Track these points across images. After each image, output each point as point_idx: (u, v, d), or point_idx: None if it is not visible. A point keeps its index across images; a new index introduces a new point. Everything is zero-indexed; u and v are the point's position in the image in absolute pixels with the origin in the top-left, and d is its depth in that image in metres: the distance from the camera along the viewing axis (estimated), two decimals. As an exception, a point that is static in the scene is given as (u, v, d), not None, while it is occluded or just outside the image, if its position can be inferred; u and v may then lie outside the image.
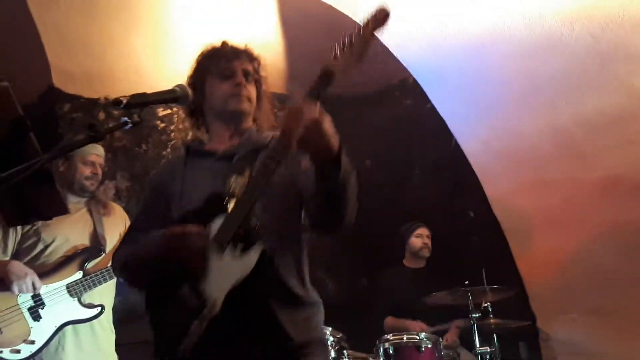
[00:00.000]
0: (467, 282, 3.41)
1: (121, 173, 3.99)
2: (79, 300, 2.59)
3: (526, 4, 3.17)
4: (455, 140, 4.16)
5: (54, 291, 2.55)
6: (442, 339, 3.34)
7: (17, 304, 2.48)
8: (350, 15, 3.66)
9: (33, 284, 2.47)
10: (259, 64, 1.72)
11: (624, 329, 3.61)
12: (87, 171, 2.72)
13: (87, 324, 2.62)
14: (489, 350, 3.34)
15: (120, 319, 2.88)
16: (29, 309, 2.50)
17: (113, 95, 4.02)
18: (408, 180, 4.89)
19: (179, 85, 1.58)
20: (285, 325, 1.46)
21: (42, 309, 2.51)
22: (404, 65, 3.97)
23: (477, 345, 3.33)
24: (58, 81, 3.86)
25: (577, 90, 3.36)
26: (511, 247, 4.07)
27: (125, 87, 3.99)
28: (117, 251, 1.73)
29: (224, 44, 1.72)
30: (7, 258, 2.56)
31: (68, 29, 3.74)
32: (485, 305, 3.48)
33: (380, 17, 1.39)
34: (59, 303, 2.54)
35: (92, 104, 3.97)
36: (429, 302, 3.56)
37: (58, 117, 3.82)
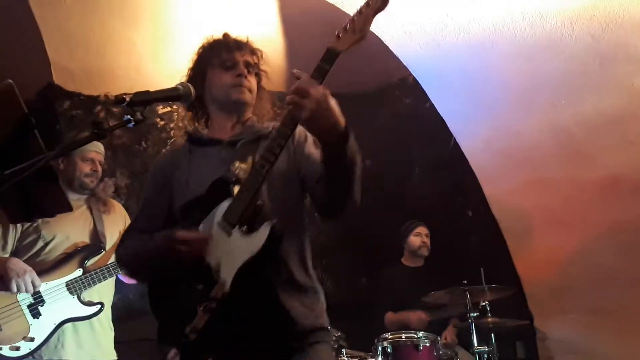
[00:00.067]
0: (465, 282, 3.43)
1: (121, 170, 3.98)
2: (79, 298, 2.59)
3: (527, 4, 3.17)
4: (455, 140, 4.16)
5: (53, 288, 2.55)
6: (440, 337, 3.36)
7: (17, 301, 2.48)
8: (352, 14, 3.66)
9: (32, 282, 2.46)
10: (260, 56, 1.74)
11: (622, 328, 3.62)
12: (86, 168, 2.72)
13: (87, 321, 2.62)
14: (486, 349, 3.36)
15: (119, 317, 2.88)
16: (29, 306, 2.50)
17: (113, 92, 4.02)
18: (407, 179, 4.90)
19: (182, 84, 1.59)
20: (291, 311, 1.48)
21: (42, 306, 2.51)
22: (404, 64, 3.97)
23: (475, 344, 3.34)
24: (58, 78, 3.85)
25: (577, 90, 3.37)
26: (509, 246, 4.08)
27: (125, 84, 3.99)
28: (120, 245, 1.73)
29: (225, 35, 1.74)
30: (7, 255, 2.56)
31: (68, 26, 3.74)
32: (483, 304, 3.49)
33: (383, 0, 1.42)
34: (59, 300, 2.55)
35: (92, 102, 3.96)
36: (427, 301, 3.58)
37: (58, 114, 3.82)
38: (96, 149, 2.73)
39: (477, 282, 3.48)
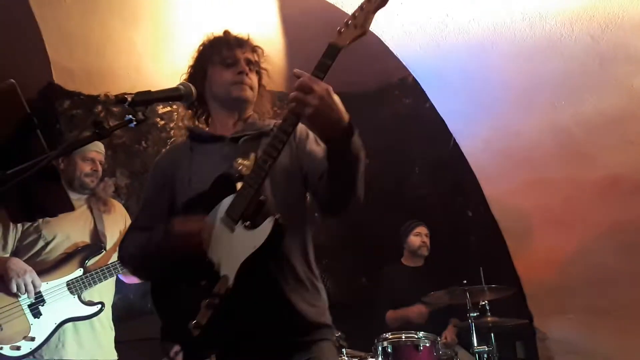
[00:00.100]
0: (465, 281, 3.43)
1: (121, 170, 3.98)
2: (79, 298, 2.59)
3: (526, 4, 3.18)
4: (454, 140, 4.17)
5: (54, 288, 2.55)
6: (440, 337, 3.36)
7: (18, 301, 2.48)
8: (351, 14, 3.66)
9: (32, 282, 2.46)
10: (261, 54, 1.74)
11: (622, 328, 3.63)
12: (87, 168, 2.72)
13: (87, 321, 2.62)
14: (486, 349, 3.36)
15: (120, 317, 2.89)
16: (30, 306, 2.50)
17: (113, 92, 4.01)
18: (407, 179, 4.90)
19: (183, 84, 1.59)
20: (297, 306, 1.48)
21: (43, 306, 2.51)
22: (404, 64, 3.97)
23: (475, 344, 3.35)
24: (58, 78, 3.85)
25: (577, 91, 3.38)
26: (509, 246, 4.08)
27: (125, 84, 3.99)
28: (121, 244, 1.73)
29: (226, 32, 1.73)
30: (7, 255, 2.56)
31: (69, 25, 3.74)
32: (483, 304, 3.50)
33: None
34: (59, 300, 2.55)
35: (92, 101, 3.96)
36: (427, 301, 3.58)
37: (58, 113, 3.82)
38: (97, 149, 2.73)
39: (477, 282, 3.48)
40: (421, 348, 3.07)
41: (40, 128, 1.30)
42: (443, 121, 4.09)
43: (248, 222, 1.41)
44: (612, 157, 3.44)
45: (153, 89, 1.48)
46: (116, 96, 1.39)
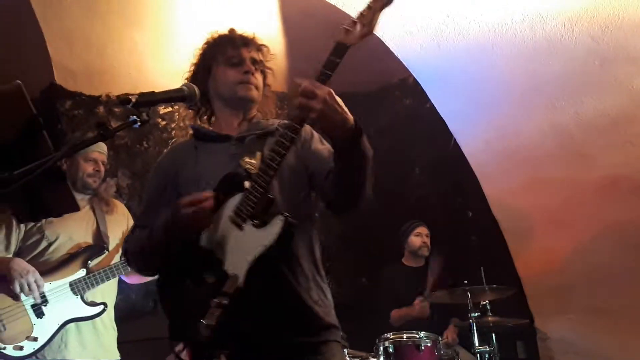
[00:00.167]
0: (466, 281, 3.44)
1: (122, 171, 3.99)
2: (82, 298, 2.59)
3: (527, 5, 3.19)
4: (455, 140, 4.18)
5: (57, 289, 2.56)
6: (441, 337, 3.37)
7: (21, 301, 2.49)
8: (353, 15, 3.67)
9: (36, 282, 2.47)
10: (267, 52, 1.72)
11: (623, 328, 3.64)
12: (89, 168, 2.72)
13: (89, 321, 2.62)
14: (487, 349, 3.37)
15: (122, 317, 2.89)
16: (33, 306, 2.50)
17: (114, 92, 4.02)
18: (408, 179, 4.91)
19: (187, 84, 1.59)
20: (308, 305, 1.48)
21: (45, 306, 2.52)
22: (405, 64, 3.98)
23: (476, 344, 3.36)
24: (59, 78, 3.86)
25: (577, 91, 3.39)
26: (510, 246, 4.09)
27: (127, 83, 4.00)
28: (128, 238, 1.73)
29: (231, 31, 1.72)
30: (10, 255, 2.57)
31: (70, 25, 3.74)
32: (484, 304, 3.50)
33: None
34: (62, 300, 2.55)
35: (93, 101, 3.97)
36: (428, 300, 3.59)
37: (59, 114, 3.82)
38: (99, 150, 2.73)
39: (478, 282, 3.49)
40: (422, 348, 3.07)
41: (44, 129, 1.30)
42: (443, 121, 4.10)
43: (257, 221, 1.41)
44: (612, 157, 3.45)
45: (154, 89, 1.48)
46: (118, 97, 1.40)
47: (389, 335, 3.17)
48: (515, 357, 4.20)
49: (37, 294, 2.48)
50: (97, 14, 3.78)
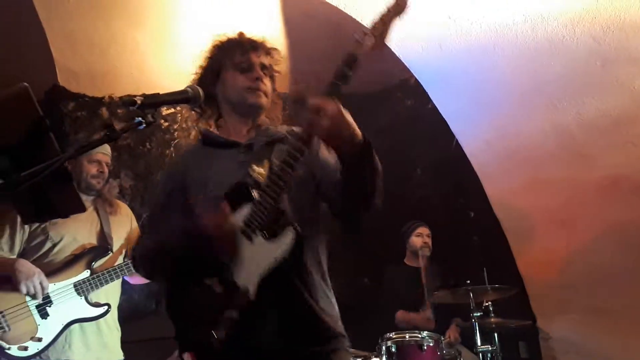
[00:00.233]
0: (468, 282, 3.45)
1: (125, 172, 4.00)
2: (86, 299, 2.60)
3: (528, 6, 3.20)
4: (457, 141, 4.19)
5: (61, 289, 2.56)
6: (444, 337, 3.38)
7: (25, 302, 2.50)
8: (354, 16, 3.69)
9: (41, 284, 2.48)
10: (276, 56, 1.70)
11: (624, 328, 3.64)
12: (93, 170, 2.72)
13: (93, 322, 2.63)
14: (490, 349, 3.38)
15: (125, 317, 2.90)
16: (37, 307, 2.51)
17: (117, 93, 4.04)
18: (409, 180, 4.92)
19: (191, 86, 1.59)
20: (318, 314, 1.48)
21: (50, 306, 2.53)
22: (406, 65, 3.99)
23: (479, 344, 3.36)
24: (62, 79, 3.87)
25: (579, 92, 3.40)
26: (512, 246, 4.10)
27: (129, 84, 4.01)
28: (137, 244, 1.74)
29: (240, 35, 1.70)
30: (14, 256, 2.57)
31: (73, 26, 3.75)
32: (487, 304, 3.51)
33: (402, 4, 1.44)
34: (67, 301, 2.56)
35: (96, 103, 3.98)
36: (430, 300, 3.60)
37: (63, 115, 3.84)
38: (103, 151, 2.74)
39: (480, 282, 3.50)
40: (425, 347, 3.08)
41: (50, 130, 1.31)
42: (445, 122, 4.11)
43: (267, 233, 1.41)
44: (613, 158, 3.46)
45: (157, 89, 1.48)
46: (121, 98, 1.40)
47: (391, 335, 3.17)
48: (517, 357, 4.21)
49: (40, 295, 2.49)
50: (100, 15, 3.79)
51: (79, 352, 2.58)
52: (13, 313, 2.46)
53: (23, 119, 1.21)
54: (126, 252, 2.82)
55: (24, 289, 2.44)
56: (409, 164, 4.93)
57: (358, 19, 3.67)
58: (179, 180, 1.65)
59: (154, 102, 1.40)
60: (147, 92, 1.41)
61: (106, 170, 2.77)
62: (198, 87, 1.56)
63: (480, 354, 3.38)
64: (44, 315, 2.51)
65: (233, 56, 1.65)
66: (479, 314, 3.41)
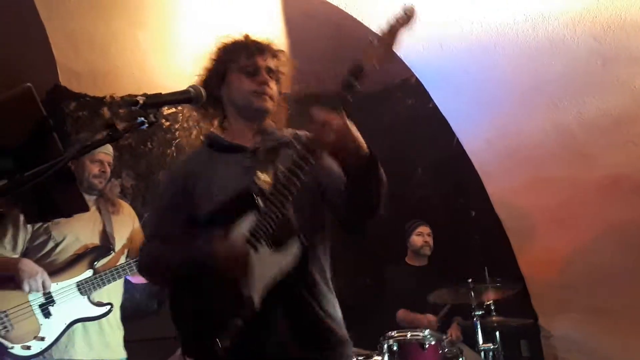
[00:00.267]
0: (469, 280, 3.45)
1: (126, 171, 4.01)
2: (89, 298, 2.61)
3: (529, 5, 3.20)
4: (457, 140, 4.19)
5: (64, 289, 2.57)
6: (445, 335, 3.38)
7: (28, 301, 2.50)
8: (355, 16, 3.69)
9: (43, 283, 2.48)
10: (282, 58, 1.69)
11: (625, 327, 3.65)
12: (95, 169, 2.72)
13: (96, 321, 2.63)
14: (491, 347, 3.38)
15: (126, 317, 2.91)
16: (40, 306, 2.52)
17: (118, 93, 4.04)
18: (410, 179, 4.92)
19: (193, 86, 1.59)
20: (324, 319, 1.48)
21: (53, 306, 2.53)
22: (407, 65, 4.00)
23: (480, 342, 3.37)
24: (64, 79, 3.88)
25: (580, 91, 3.40)
26: (513, 245, 4.11)
27: (130, 84, 4.01)
28: (141, 253, 1.71)
29: (246, 37, 1.68)
30: (17, 256, 2.58)
31: (74, 26, 3.76)
32: (488, 303, 3.52)
33: (408, 15, 1.43)
34: (69, 301, 2.56)
35: (97, 103, 3.99)
36: (432, 299, 3.60)
37: (64, 115, 3.85)
38: (105, 150, 2.74)
39: (482, 281, 3.50)
40: (427, 346, 3.09)
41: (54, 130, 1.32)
42: (446, 121, 4.11)
43: (272, 242, 1.41)
44: (614, 157, 3.46)
45: (158, 89, 1.48)
46: (123, 98, 1.41)
47: (393, 334, 3.19)
48: (519, 355, 4.22)
49: (41, 291, 2.50)
50: (101, 15, 3.80)
51: (82, 351, 2.58)
52: (16, 312, 2.47)
53: (27, 119, 1.22)
54: (128, 251, 2.83)
55: (26, 288, 2.45)
56: (410, 164, 4.93)
57: (359, 18, 3.68)
58: (185, 186, 1.64)
59: (156, 102, 1.40)
60: (148, 92, 1.41)
61: (108, 170, 2.77)
62: (200, 87, 1.56)
63: (482, 353, 3.38)
64: (46, 314, 2.52)
65: (239, 59, 1.64)
66: (480, 313, 3.42)
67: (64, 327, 2.53)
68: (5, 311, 2.46)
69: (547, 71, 3.43)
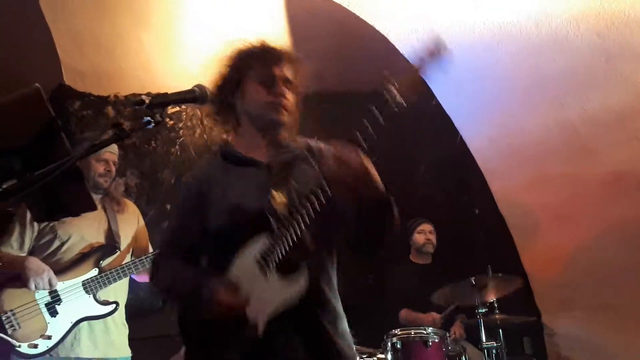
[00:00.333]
0: (473, 278, 3.45)
1: (131, 170, 4.02)
2: (95, 297, 2.63)
3: (532, 2, 3.20)
4: (461, 137, 4.19)
5: (70, 288, 2.59)
6: (449, 333, 3.38)
7: (35, 300, 2.52)
8: (357, 14, 3.69)
9: (49, 281, 2.50)
10: (299, 67, 1.64)
11: (628, 324, 3.65)
12: (100, 168, 2.74)
13: (101, 320, 2.65)
14: (495, 345, 3.38)
15: (131, 315, 2.92)
16: (46, 305, 2.54)
17: (122, 92, 4.06)
18: (413, 177, 4.93)
19: (198, 85, 1.59)
20: (335, 339, 1.48)
21: (59, 305, 2.55)
22: (410, 62, 4.00)
23: (484, 340, 3.37)
24: (68, 79, 3.90)
25: (583, 88, 3.40)
26: (516, 243, 4.11)
27: (134, 84, 4.03)
28: (156, 271, 1.70)
29: (263, 44, 1.63)
30: (24, 254, 2.60)
31: (78, 26, 3.78)
32: (491, 301, 3.52)
33: (439, 49, 1.40)
34: (75, 299, 2.58)
35: (102, 102, 4.01)
36: (435, 297, 3.61)
37: (69, 114, 3.86)
38: (110, 150, 2.75)
39: (485, 278, 3.50)
40: (430, 344, 3.09)
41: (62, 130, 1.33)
42: (449, 119, 4.11)
43: (282, 270, 1.41)
44: (617, 153, 3.46)
45: (162, 88, 1.49)
46: (127, 97, 1.42)
47: (396, 332, 3.18)
48: (522, 353, 4.22)
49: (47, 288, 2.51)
50: (105, 16, 3.82)
51: (88, 349, 2.60)
52: (23, 311, 2.49)
53: (35, 120, 1.23)
54: (133, 250, 2.85)
55: (32, 286, 2.46)
56: (413, 161, 4.94)
57: (362, 16, 3.68)
58: (199, 200, 1.61)
59: (162, 101, 1.41)
60: (152, 92, 1.42)
61: (113, 169, 2.78)
62: (205, 87, 1.55)
63: (485, 350, 3.39)
64: (53, 313, 2.54)
65: (255, 68, 1.60)
66: (484, 311, 3.42)
67: (70, 325, 2.56)
68: (12, 310, 2.48)
69: (550, 68, 3.42)
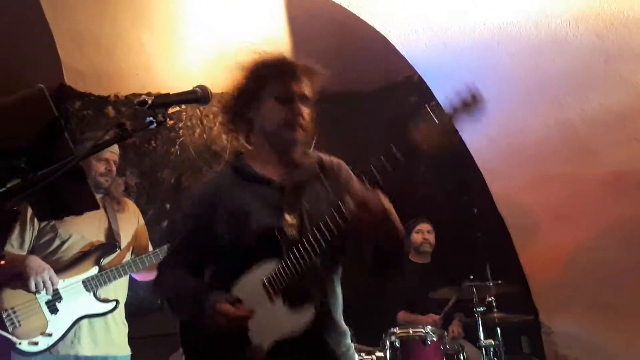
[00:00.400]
0: (472, 277, 3.47)
1: (130, 169, 4.04)
2: (95, 295, 2.64)
3: (532, 3, 3.21)
4: (460, 137, 4.20)
5: (70, 286, 2.60)
6: (447, 332, 3.40)
7: (35, 298, 2.53)
8: (358, 14, 3.70)
9: (50, 279, 2.51)
10: (315, 75, 1.61)
11: (628, 323, 3.66)
12: (101, 168, 2.75)
13: (101, 318, 2.66)
14: (493, 343, 3.40)
15: (130, 313, 2.93)
16: (47, 303, 2.55)
17: (123, 92, 4.06)
18: (413, 177, 4.93)
19: (200, 86, 1.60)
20: (336, 353, 1.50)
21: (59, 302, 2.56)
22: (410, 62, 4.01)
23: (482, 338, 3.39)
24: (69, 79, 3.91)
25: (582, 88, 3.41)
26: (515, 243, 4.12)
27: (135, 84, 4.04)
28: (160, 279, 1.70)
29: (281, 59, 1.60)
30: (24, 253, 2.61)
31: (79, 27, 3.78)
32: (490, 300, 3.53)
33: (475, 100, 1.33)
34: (76, 297, 2.60)
35: (102, 102, 4.01)
36: (434, 296, 3.62)
37: (69, 114, 3.87)
38: (111, 149, 2.76)
39: (484, 278, 3.52)
40: (429, 342, 3.11)
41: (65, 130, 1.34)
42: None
43: (289, 299, 1.42)
44: (617, 153, 3.47)
45: (162, 89, 1.50)
46: (127, 97, 1.43)
47: (395, 330, 3.20)
48: (520, 351, 4.24)
49: (50, 291, 2.52)
50: (106, 16, 3.82)
51: (88, 347, 2.61)
52: (24, 309, 2.50)
53: (39, 120, 1.24)
54: (133, 248, 2.86)
55: (33, 285, 2.47)
56: (413, 161, 4.93)
57: (362, 17, 3.68)
58: (209, 214, 1.60)
59: (165, 102, 1.41)
60: (152, 92, 1.43)
61: (114, 168, 2.80)
62: (207, 87, 1.55)
63: (484, 349, 3.40)
64: (53, 311, 2.55)
65: (273, 83, 1.57)
66: (482, 309, 3.43)
67: (70, 323, 2.57)
68: (13, 307, 2.49)
69: (550, 68, 3.43)
